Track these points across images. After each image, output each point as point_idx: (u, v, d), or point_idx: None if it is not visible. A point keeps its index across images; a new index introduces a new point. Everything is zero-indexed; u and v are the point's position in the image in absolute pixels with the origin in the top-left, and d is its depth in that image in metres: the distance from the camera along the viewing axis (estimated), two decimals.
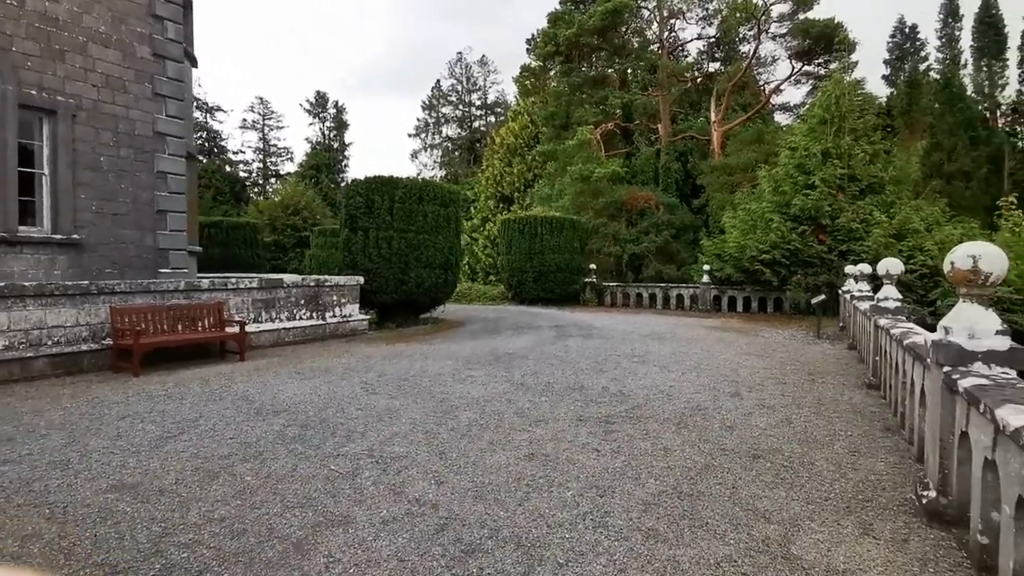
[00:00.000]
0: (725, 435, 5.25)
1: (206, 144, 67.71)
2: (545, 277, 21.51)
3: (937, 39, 38.42)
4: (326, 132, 67.61)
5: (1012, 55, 35.87)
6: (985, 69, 38.21)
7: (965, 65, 37.20)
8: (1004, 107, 37.78)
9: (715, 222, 24.81)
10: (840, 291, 15.32)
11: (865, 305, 9.35)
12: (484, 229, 35.95)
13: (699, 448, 4.86)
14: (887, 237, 16.77)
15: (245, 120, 70.92)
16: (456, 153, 66.89)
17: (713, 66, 35.29)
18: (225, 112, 68.42)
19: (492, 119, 64.79)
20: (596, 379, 7.70)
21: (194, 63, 15.17)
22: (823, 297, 13.82)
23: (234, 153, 70.27)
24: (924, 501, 3.53)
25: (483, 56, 74.66)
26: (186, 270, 11.95)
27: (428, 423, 5.52)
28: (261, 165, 72.49)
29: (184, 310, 9.19)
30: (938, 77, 34.28)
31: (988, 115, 36.14)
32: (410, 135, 66.38)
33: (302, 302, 11.67)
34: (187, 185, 14.18)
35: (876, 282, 11.01)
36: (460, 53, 75.11)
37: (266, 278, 11.36)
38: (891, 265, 7.40)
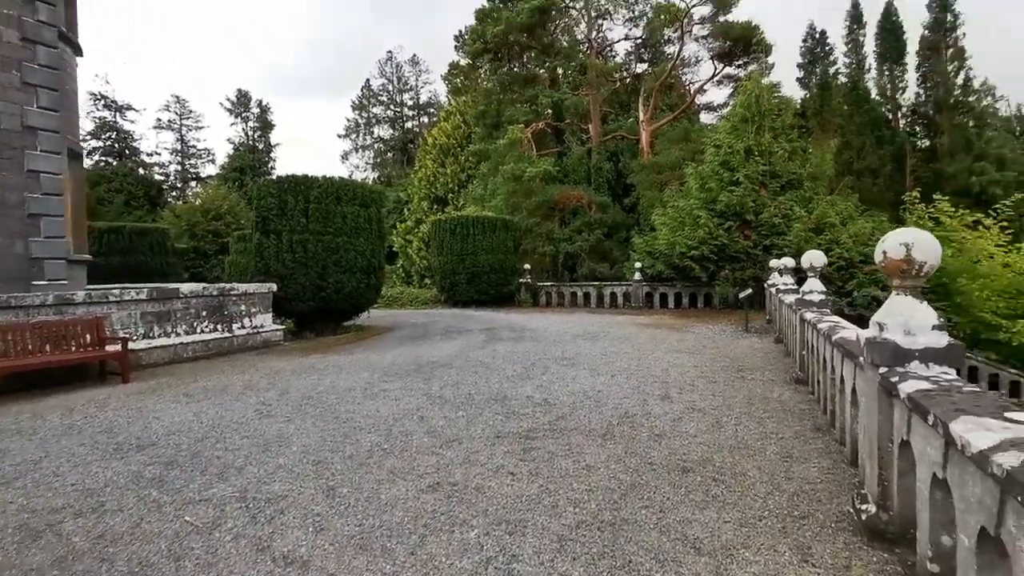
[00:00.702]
0: (653, 446, 4.83)
1: (116, 145, 63.01)
2: (479, 278, 20.94)
3: (844, 44, 40.58)
4: (250, 132, 64.33)
5: (911, 60, 38.38)
6: (887, 73, 40.72)
7: (869, 69, 39.50)
8: (904, 109, 40.43)
9: (646, 220, 25.03)
10: (766, 285, 15.58)
11: (790, 298, 9.32)
12: (418, 231, 34.97)
13: (625, 464, 4.41)
14: (807, 231, 17.24)
15: (160, 120, 66.54)
16: (389, 154, 65.26)
17: (640, 67, 35.84)
18: (137, 111, 63.68)
19: (425, 119, 63.62)
20: (521, 387, 7.17)
21: (78, 51, 13.57)
22: (750, 291, 13.95)
23: (148, 155, 65.75)
24: (864, 517, 3.19)
25: (414, 55, 73.46)
26: (65, 281, 10.55)
27: (323, 451, 4.81)
28: (180, 168, 68.20)
29: (54, 327, 7.98)
30: (846, 80, 36.23)
31: (891, 116, 38.55)
32: (340, 136, 64.25)
33: (204, 313, 10.55)
34: (70, 186, 12.71)
35: (799, 275, 11.11)
36: (390, 52, 73.58)
37: (159, 288, 10.18)
38: (814, 258, 7.29)
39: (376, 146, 64.35)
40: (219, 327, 10.81)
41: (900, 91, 40.54)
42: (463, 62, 37.19)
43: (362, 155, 63.90)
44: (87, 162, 59.92)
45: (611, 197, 28.33)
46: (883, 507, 3.10)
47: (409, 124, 64.88)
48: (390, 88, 64.37)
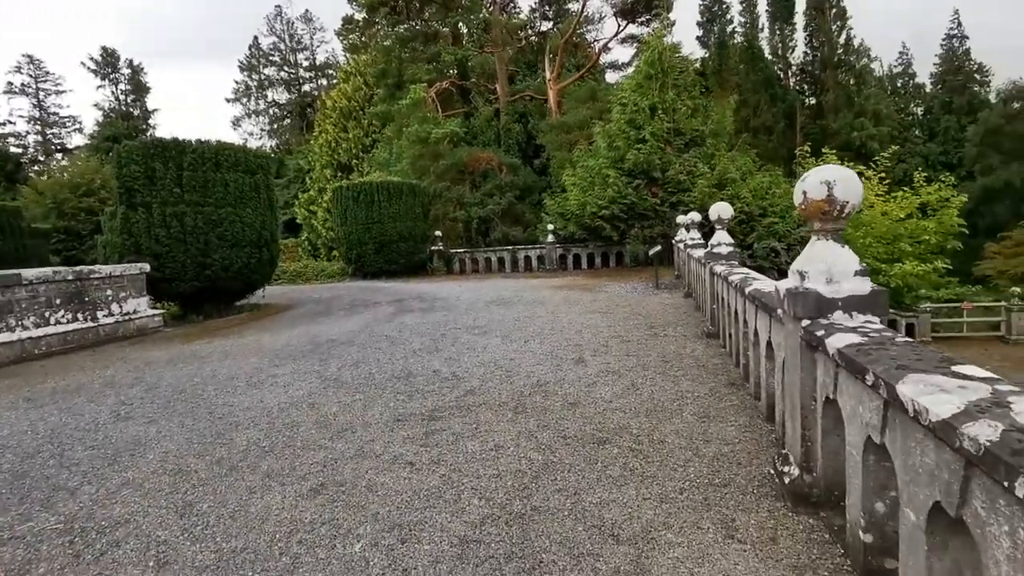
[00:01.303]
0: (567, 416, 4.48)
1: None
2: (387, 248, 19.92)
3: (739, 3, 41.99)
4: (121, 97, 57.63)
5: (799, 20, 40.30)
6: (778, 32, 42.64)
7: (763, 28, 41.17)
8: (794, 67, 42.65)
9: (557, 181, 24.87)
10: (674, 241, 15.84)
11: (699, 252, 9.32)
12: (322, 201, 32.92)
13: (537, 440, 4.02)
14: (710, 187, 17.63)
15: (11, 84, 58.36)
16: (286, 120, 60.92)
17: (546, 25, 35.17)
18: None
19: (324, 82, 59.71)
20: (428, 361, 6.63)
21: None
22: (659, 248, 14.08)
23: (0, 124, 57.70)
24: (786, 480, 2.96)
25: (307, 11, 68.41)
26: None
27: (186, 456, 4.06)
28: (40, 138, 60.30)
29: None
30: (742, 40, 37.50)
31: (782, 75, 40.54)
32: (228, 100, 59.14)
33: (57, 301, 9.08)
34: None
35: (705, 229, 11.22)
36: (279, 7, 68.18)
37: None
38: (722, 210, 7.19)
39: (271, 111, 59.87)
40: (80, 316, 9.38)
41: (790, 50, 42.63)
42: (358, 16, 34.79)
43: (256, 121, 59.38)
44: None
45: (522, 159, 27.87)
46: (806, 469, 2.88)
47: (306, 87, 60.72)
48: (282, 47, 59.78)
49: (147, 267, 10.62)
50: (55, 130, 59.72)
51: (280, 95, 60.39)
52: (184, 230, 11.19)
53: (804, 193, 2.70)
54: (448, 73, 29.61)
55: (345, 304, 13.01)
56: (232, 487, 3.50)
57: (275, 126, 59.93)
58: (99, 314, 9.70)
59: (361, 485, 3.43)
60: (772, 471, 3.24)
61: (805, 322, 2.74)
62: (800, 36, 40.13)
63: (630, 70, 31.34)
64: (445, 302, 12.18)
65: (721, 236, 7.15)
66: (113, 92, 57.90)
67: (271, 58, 59.48)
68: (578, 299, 11.73)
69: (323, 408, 5.02)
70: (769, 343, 3.90)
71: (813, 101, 40.15)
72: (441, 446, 4.00)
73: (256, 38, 60.82)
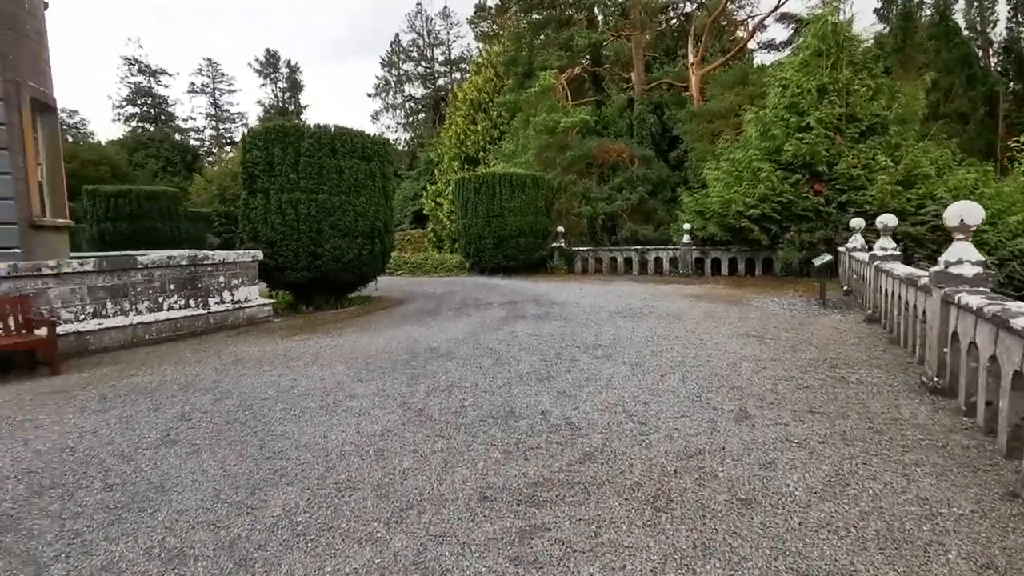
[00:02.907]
0: (742, 530, 2.84)
1: (152, 111, 63.02)
2: (506, 243, 18.90)
3: None
4: (279, 94, 63.13)
5: None
6: (976, 4, 35.76)
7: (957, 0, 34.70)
8: (996, 45, 35.52)
9: (696, 176, 22.35)
10: (843, 249, 13.02)
11: (900, 268, 7.00)
12: (448, 193, 33.00)
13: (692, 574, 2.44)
14: (893, 184, 14.49)
15: (194, 84, 66.26)
16: (421, 114, 62.90)
17: (689, 6, 32.21)
18: (171, 75, 63.36)
19: (457, 76, 60.73)
20: (536, 395, 5.22)
21: None
22: (829, 258, 11.48)
23: (183, 120, 65.64)
24: None
25: (445, 7, 70.19)
26: (18, 250, 9.10)
27: (200, 526, 3.00)
28: (215, 132, 67.92)
29: None
30: (932, 13, 31.72)
31: (980, 53, 33.89)
32: (370, 95, 62.24)
33: (171, 287, 8.95)
34: (29, 140, 11.25)
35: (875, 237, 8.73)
36: (419, 4, 70.67)
37: (112, 257, 8.63)
38: (967, 212, 4.94)
39: (407, 105, 62.05)
40: (192, 303, 9.22)
41: (991, 25, 35.63)
42: (491, 2, 34.25)
43: (393, 114, 61.87)
44: (123, 128, 60.10)
45: (655, 152, 25.59)
46: None
47: (441, 81, 62.15)
48: (420, 43, 61.60)
49: (260, 254, 10.35)
50: (226, 125, 66.91)
51: (416, 89, 62.44)
52: (298, 218, 10.82)
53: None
54: (580, 60, 27.97)
55: (456, 303, 12.06)
56: None
57: (410, 119, 62.09)
58: (211, 301, 9.51)
59: None
60: None
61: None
62: (1003, 9, 33.24)
63: (786, 52, 27.57)
64: (563, 309, 10.74)
65: (962, 249, 4.91)
66: (273, 90, 63.57)
67: (410, 53, 61.61)
68: (723, 315, 9.72)
69: (392, 460, 3.80)
70: None
71: (1019, 87, 33.11)
72: (541, 566, 2.57)
73: (397, 35, 63.48)
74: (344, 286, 11.96)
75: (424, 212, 36.46)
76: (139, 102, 62.15)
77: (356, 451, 3.96)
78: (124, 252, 8.85)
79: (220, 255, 9.69)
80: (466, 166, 34.35)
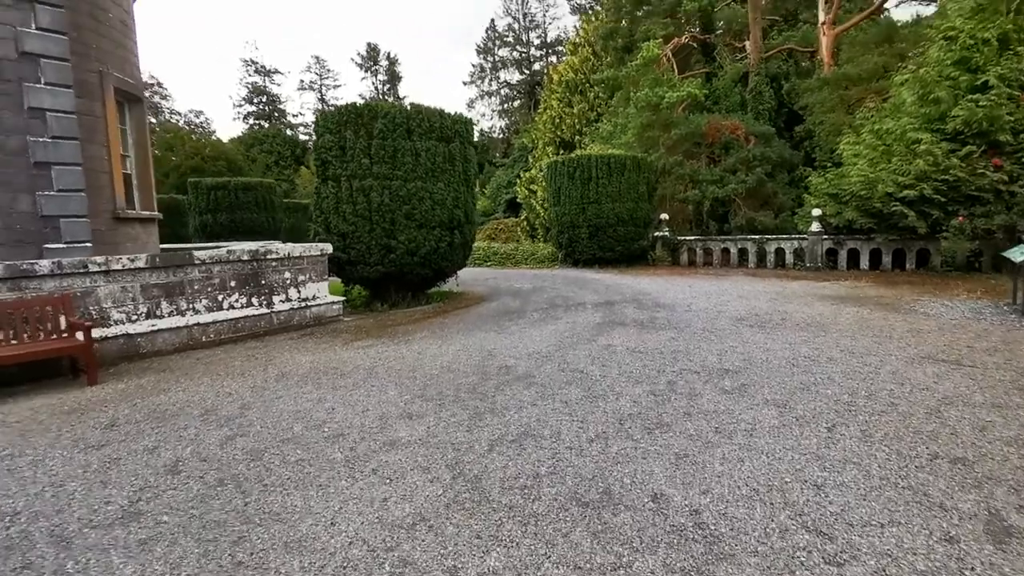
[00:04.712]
0: None
1: (266, 108, 66.97)
2: (602, 232, 17.10)
3: None
4: (379, 86, 64.51)
5: None
6: None
7: None
8: None
9: (826, 153, 19.21)
10: None
11: None
12: (542, 179, 31.56)
13: None
14: None
15: (303, 81, 69.59)
16: (516, 101, 61.75)
17: None
18: (283, 74, 67.01)
19: (553, 59, 58.85)
20: (645, 458, 3.60)
21: None
22: None
23: (294, 116, 69.11)
24: None
25: None
26: (89, 244, 8.75)
27: None
28: None
29: (4, 309, 5.91)
30: None
31: None
32: (465, 83, 62.41)
33: (232, 284, 8.21)
34: (134, 132, 11.18)
35: None
36: None
37: (166, 253, 7.98)
38: None
39: (502, 91, 61.07)
40: (254, 301, 8.44)
41: None
42: None
43: (488, 102, 61.15)
44: (242, 126, 64.32)
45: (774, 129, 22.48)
46: None
47: (537, 66, 60.52)
48: (516, 27, 60.20)
49: (329, 248, 9.44)
50: None
51: (511, 75, 61.27)
52: (370, 207, 9.80)
53: None
54: (688, 29, 25.19)
55: (543, 302, 10.58)
56: None
57: (505, 106, 61.11)
58: (275, 299, 8.71)
59: None
60: None
61: None
62: None
63: (933, 7, 23.14)
64: (671, 313, 8.91)
65: None
66: (373, 82, 65.10)
67: (505, 39, 60.45)
68: (883, 325, 7.47)
69: None
70: None
71: None
72: None
73: (492, 20, 62.55)
74: (421, 281, 10.85)
75: (517, 200, 35.30)
76: (255, 101, 66.04)
77: (367, 561, 2.59)
78: (182, 246, 8.27)
79: (285, 248, 8.85)
80: (561, 151, 32.65)
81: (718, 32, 25.28)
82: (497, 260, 21.57)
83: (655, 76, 20.61)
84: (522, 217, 34.53)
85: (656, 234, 18.30)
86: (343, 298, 9.90)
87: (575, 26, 42.99)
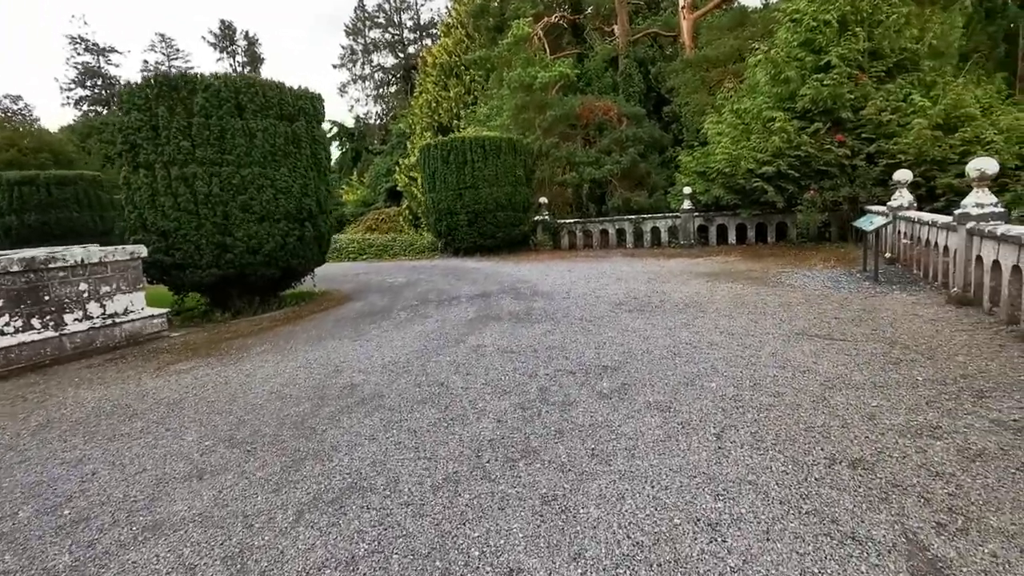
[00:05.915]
0: None
1: (102, 92, 58.70)
2: (482, 218, 16.33)
3: None
4: (237, 68, 58.83)
5: None
6: None
7: None
8: None
9: (692, 133, 19.85)
10: (886, 207, 10.57)
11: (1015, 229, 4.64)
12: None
13: None
14: (932, 129, 12.12)
15: (146, 62, 61.78)
16: (392, 86, 59.16)
17: None
18: (121, 53, 58.98)
19: (428, 42, 56.93)
20: (502, 511, 2.78)
21: None
22: (885, 220, 9.09)
23: None
24: None
25: None
26: None
27: None
28: None
29: None
30: None
31: None
32: (335, 66, 58.38)
33: (0, 304, 6.37)
34: None
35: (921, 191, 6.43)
36: None
37: None
38: None
39: (376, 75, 58.25)
40: (35, 323, 6.63)
41: None
42: None
43: (362, 86, 58.13)
44: (74, 113, 55.98)
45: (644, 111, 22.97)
46: None
47: (411, 49, 58.29)
48: (387, 7, 57.50)
49: (142, 250, 7.74)
50: None
51: (385, 59, 58.58)
52: (196, 199, 8.19)
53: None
54: (558, 8, 24.98)
55: (414, 297, 9.57)
56: None
57: (380, 91, 58.40)
58: (67, 318, 6.93)
59: None
60: None
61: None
62: None
63: None
64: (549, 301, 8.30)
65: None
66: (231, 64, 59.32)
67: (376, 20, 57.57)
68: (756, 301, 7.35)
69: None
70: None
71: None
72: None
73: (361, 0, 59.17)
74: (269, 283, 9.38)
75: (398, 188, 33.65)
76: (88, 84, 57.77)
77: None
78: None
79: (78, 254, 7.05)
80: (439, 136, 31.47)
81: (587, 14, 25.31)
82: (373, 252, 20.14)
83: (527, 56, 20.11)
84: (404, 206, 32.97)
85: (536, 218, 17.87)
86: (168, 309, 8.21)
87: (447, 7, 41.58)
